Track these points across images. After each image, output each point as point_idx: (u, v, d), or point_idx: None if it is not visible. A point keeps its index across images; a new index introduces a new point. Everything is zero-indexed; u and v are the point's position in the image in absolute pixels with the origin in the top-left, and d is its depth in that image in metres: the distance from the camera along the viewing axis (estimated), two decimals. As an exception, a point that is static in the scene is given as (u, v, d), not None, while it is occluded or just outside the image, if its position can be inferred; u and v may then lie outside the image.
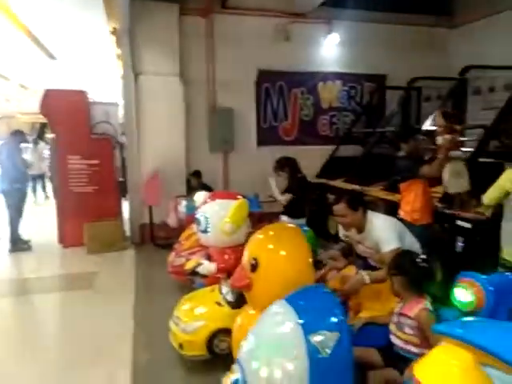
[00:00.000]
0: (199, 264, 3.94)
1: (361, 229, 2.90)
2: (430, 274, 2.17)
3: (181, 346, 3.07)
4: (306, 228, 3.86)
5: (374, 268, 2.86)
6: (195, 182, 6.29)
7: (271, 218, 5.06)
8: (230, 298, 3.12)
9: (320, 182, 6.71)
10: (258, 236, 2.51)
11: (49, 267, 5.55)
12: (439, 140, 3.65)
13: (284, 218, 4.68)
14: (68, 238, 6.24)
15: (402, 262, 2.22)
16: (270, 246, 2.38)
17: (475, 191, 3.88)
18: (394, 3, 7.52)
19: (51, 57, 9.78)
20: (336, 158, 7.23)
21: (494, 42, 6.59)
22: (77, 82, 8.24)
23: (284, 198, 4.54)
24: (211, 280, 3.73)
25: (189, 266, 4.04)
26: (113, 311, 4.09)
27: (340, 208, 2.89)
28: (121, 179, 7.08)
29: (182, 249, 4.57)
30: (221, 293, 3.26)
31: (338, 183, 6.34)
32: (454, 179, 3.92)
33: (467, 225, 3.67)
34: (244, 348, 1.90)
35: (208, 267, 3.88)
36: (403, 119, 6.75)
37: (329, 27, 7.21)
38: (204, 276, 3.93)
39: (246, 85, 7.03)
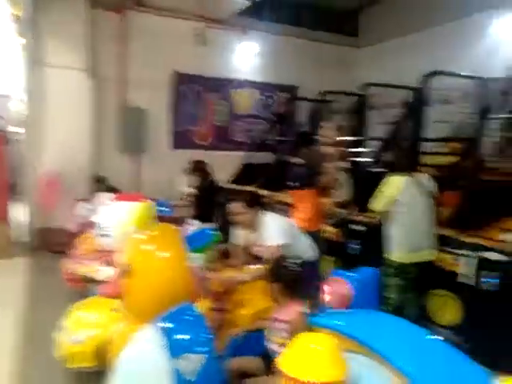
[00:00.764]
0: (96, 270, 3.70)
1: (255, 228, 2.94)
2: (304, 279, 2.18)
3: (68, 357, 2.84)
4: (212, 232, 3.85)
5: None
6: (100, 186, 5.95)
7: (182, 222, 4.98)
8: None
9: (233, 187, 6.74)
10: (132, 240, 2.41)
11: None
12: (330, 150, 3.90)
13: (193, 221, 4.62)
14: None
15: (276, 268, 2.23)
16: (143, 251, 2.29)
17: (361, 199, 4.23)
18: (306, 20, 7.95)
19: None
20: (250, 165, 7.34)
21: (394, 62, 7.24)
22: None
23: (187, 190, 4.51)
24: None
25: (84, 272, 3.78)
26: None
27: (235, 206, 2.91)
28: (13, 180, 6.42)
29: (79, 254, 4.26)
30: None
31: (251, 189, 6.43)
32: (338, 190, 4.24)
33: (361, 228, 3.93)
34: (113, 374, 1.80)
35: (107, 272, 3.65)
36: (313, 130, 7.05)
37: (245, 36, 7.35)
38: (103, 282, 3.69)
39: (161, 86, 6.88)
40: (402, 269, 3.35)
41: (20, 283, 4.71)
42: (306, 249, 2.91)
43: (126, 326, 2.28)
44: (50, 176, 5.72)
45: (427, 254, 3.37)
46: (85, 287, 3.93)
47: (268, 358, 2.12)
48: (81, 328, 2.88)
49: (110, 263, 3.82)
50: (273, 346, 2.13)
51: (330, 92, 6.86)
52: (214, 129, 7.50)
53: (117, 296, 2.43)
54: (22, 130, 6.18)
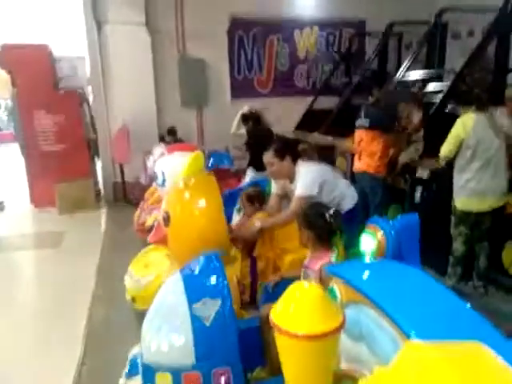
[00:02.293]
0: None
1: (291, 179, 2.82)
2: (336, 229, 2.07)
3: (133, 299, 3.10)
4: (265, 180, 3.82)
5: None
6: (170, 139, 6.13)
7: (241, 173, 5.02)
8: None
9: (296, 135, 6.56)
10: (172, 189, 2.47)
11: (19, 227, 5.56)
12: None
13: (249, 170, 4.63)
14: (40, 198, 6.18)
15: (309, 215, 2.13)
16: (180, 199, 2.34)
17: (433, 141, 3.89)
18: None
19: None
20: (315, 111, 7.04)
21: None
22: (44, 37, 7.85)
23: (238, 132, 4.53)
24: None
25: (148, 222, 4.02)
26: (77, 268, 4.13)
27: (267, 156, 2.80)
28: (93, 137, 6.90)
29: (146, 205, 4.54)
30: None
31: (314, 136, 6.22)
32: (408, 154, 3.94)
33: (424, 174, 3.62)
34: (144, 322, 1.89)
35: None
36: (380, 67, 6.48)
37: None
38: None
39: (218, 34, 6.71)
40: (466, 217, 3.07)
41: (102, 233, 5.22)
42: (345, 195, 2.76)
43: (170, 269, 2.41)
44: (121, 131, 6.02)
45: (495, 201, 3.02)
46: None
47: None
48: (143, 272, 3.13)
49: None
50: None
51: (399, 23, 6.17)
52: (275, 74, 7.22)
53: (161, 242, 2.56)
54: (92, 88, 6.52)
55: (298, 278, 2.18)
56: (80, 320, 3.19)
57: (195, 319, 1.67)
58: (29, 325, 3.22)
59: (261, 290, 2.40)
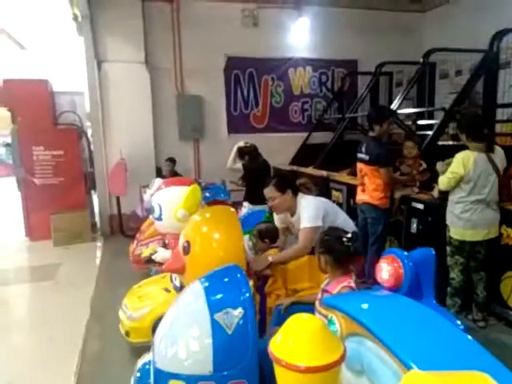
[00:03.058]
0: (155, 252, 3.89)
1: (292, 212, 2.87)
2: (355, 253, 2.09)
3: (127, 333, 3.04)
4: (264, 213, 3.86)
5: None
6: (168, 168, 6.12)
7: (237, 205, 5.06)
8: (177, 283, 3.09)
9: (291, 169, 6.67)
10: (193, 219, 2.50)
11: (13, 260, 5.46)
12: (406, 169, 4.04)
13: (246, 204, 4.67)
14: (35, 230, 6.14)
15: (327, 240, 2.14)
16: (201, 229, 2.38)
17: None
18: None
19: (21, 47, 9.61)
20: (309, 145, 7.21)
21: (462, 24, 6.55)
22: (45, 72, 8.07)
23: (234, 166, 4.60)
24: (167, 267, 3.69)
25: (145, 253, 3.99)
26: (71, 301, 4.06)
27: (268, 191, 2.87)
28: (90, 170, 6.95)
29: (143, 238, 4.53)
30: (171, 279, 3.23)
31: (309, 170, 6.32)
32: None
33: (420, 206, 3.67)
34: (158, 329, 1.88)
35: (163, 254, 3.82)
36: (372, 105, 6.68)
37: (298, 12, 7.11)
38: (160, 264, 3.89)
39: (215, 72, 6.94)
40: (461, 246, 3.11)
41: (96, 265, 5.15)
42: (345, 225, 2.77)
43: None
44: (118, 164, 6.08)
45: (489, 232, 3.08)
46: (148, 268, 4.19)
47: None
48: (137, 306, 3.09)
49: (165, 245, 4.01)
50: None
51: (390, 62, 6.43)
52: (271, 111, 7.42)
53: (176, 271, 2.55)
54: (91, 124, 6.62)
55: (311, 303, 2.19)
56: (73, 354, 3.10)
57: (216, 328, 1.65)
58: (21, 359, 3.14)
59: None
